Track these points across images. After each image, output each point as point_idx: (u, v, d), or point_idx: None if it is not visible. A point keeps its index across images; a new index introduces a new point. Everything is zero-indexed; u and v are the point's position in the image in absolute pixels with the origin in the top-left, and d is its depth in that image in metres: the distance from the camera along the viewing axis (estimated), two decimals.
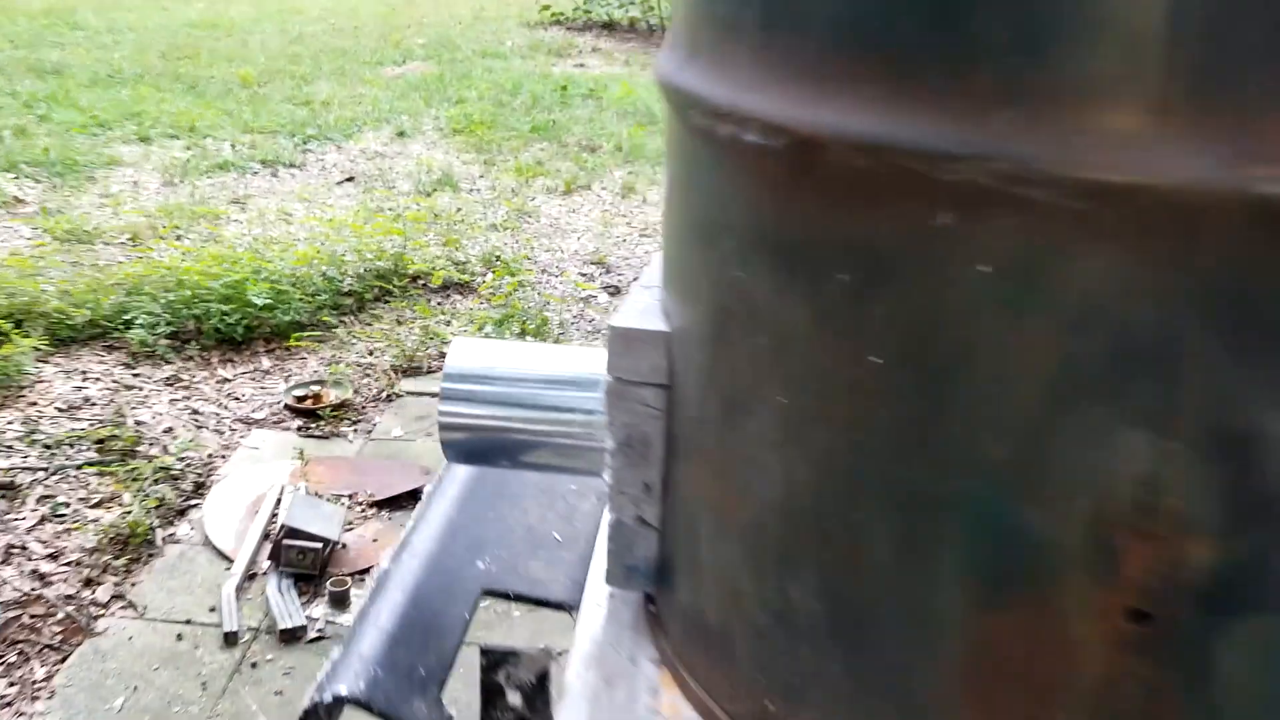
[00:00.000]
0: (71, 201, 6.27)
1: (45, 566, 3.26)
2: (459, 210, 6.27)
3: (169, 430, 4.05)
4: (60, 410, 4.12)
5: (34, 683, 2.83)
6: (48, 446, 3.84)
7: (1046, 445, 0.67)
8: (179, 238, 5.71)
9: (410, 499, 3.66)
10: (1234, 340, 0.61)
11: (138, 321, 4.60)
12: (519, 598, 1.14)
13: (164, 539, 3.42)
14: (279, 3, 15.41)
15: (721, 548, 0.88)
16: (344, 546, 3.40)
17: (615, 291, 5.38)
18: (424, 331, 4.71)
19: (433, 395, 4.10)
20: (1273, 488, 0.63)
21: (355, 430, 4.08)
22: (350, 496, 3.69)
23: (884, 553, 0.75)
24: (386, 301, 5.04)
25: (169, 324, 4.62)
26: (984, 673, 0.74)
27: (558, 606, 1.16)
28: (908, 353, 0.70)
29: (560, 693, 1.00)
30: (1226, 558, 0.65)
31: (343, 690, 1.00)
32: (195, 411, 4.17)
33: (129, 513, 3.46)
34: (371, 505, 3.66)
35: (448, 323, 4.81)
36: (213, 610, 3.15)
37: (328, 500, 3.63)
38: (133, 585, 3.22)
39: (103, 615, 3.09)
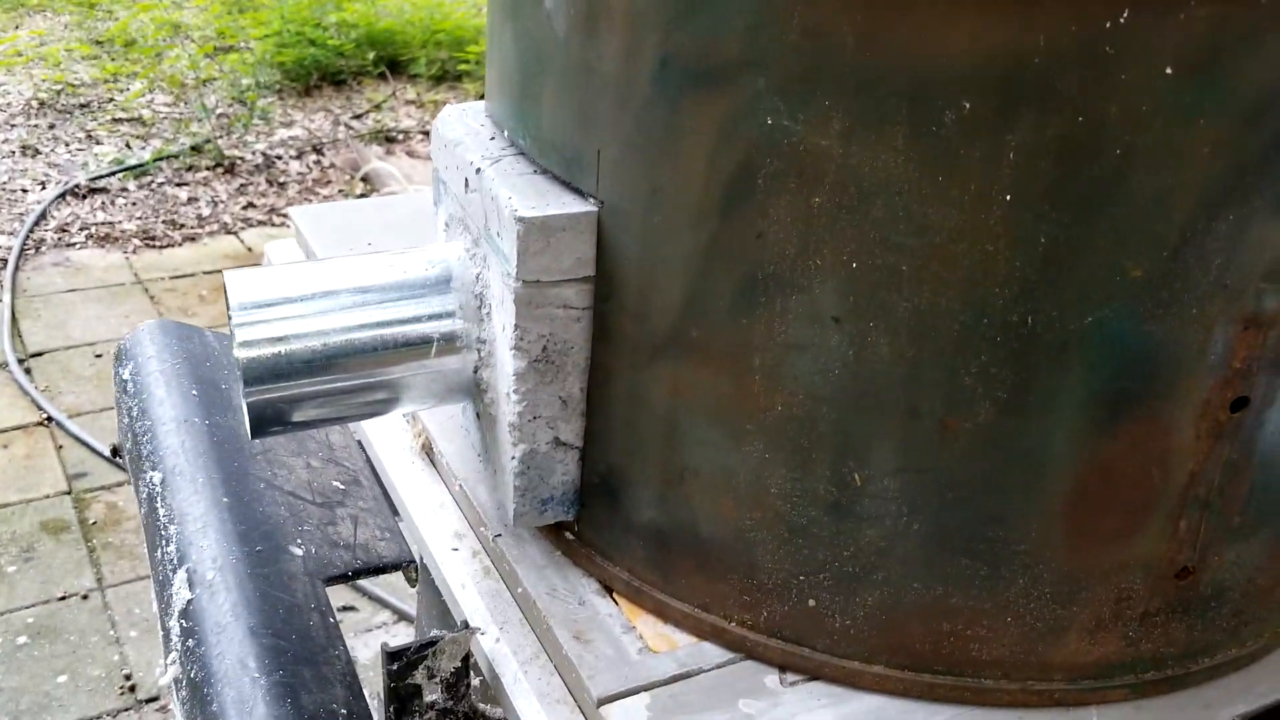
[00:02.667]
0: None
1: None
2: None
3: None
4: None
5: None
6: None
7: (1190, 253, 0.63)
8: None
9: None
10: None
11: None
12: (358, 574, 0.90)
13: None
14: None
15: (732, 450, 0.74)
16: None
17: None
18: None
19: None
20: None
21: None
22: None
23: (987, 409, 0.68)
24: None
25: None
26: (1086, 501, 0.71)
27: (394, 568, 0.93)
28: (1051, 183, 0.62)
29: (490, 669, 0.82)
30: None
31: None
32: None
33: None
34: None
35: None
36: None
37: None
38: None
39: None
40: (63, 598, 2.53)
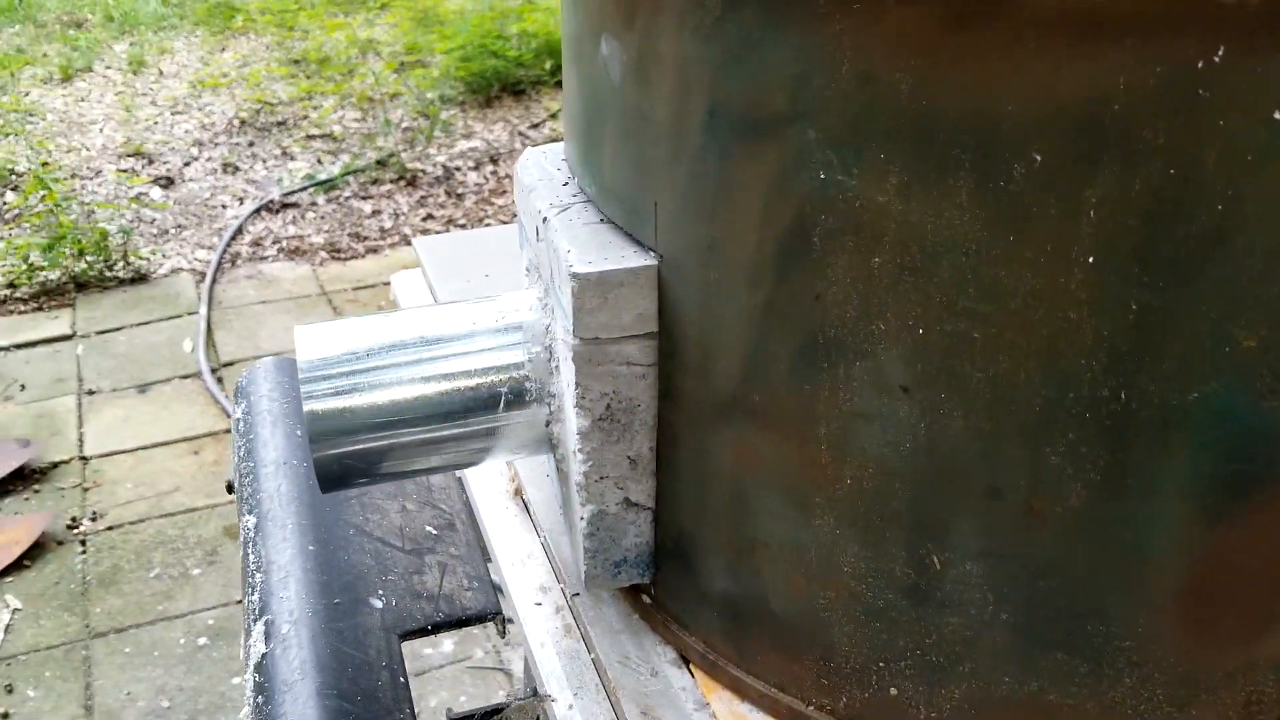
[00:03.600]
0: None
1: None
2: None
3: None
4: None
5: None
6: None
7: None
8: None
9: (15, 480, 3.07)
10: None
11: None
12: (438, 628, 0.88)
13: None
14: None
15: (801, 524, 0.68)
16: None
17: (168, 183, 4.74)
18: None
19: None
20: None
21: None
22: None
23: (1078, 491, 0.60)
24: None
25: None
26: (1203, 594, 0.62)
27: (479, 620, 0.91)
28: (1140, 243, 0.54)
29: None
30: None
31: None
32: None
33: None
34: None
35: None
36: None
37: None
38: None
39: None
40: (240, 601, 2.64)
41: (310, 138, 5.17)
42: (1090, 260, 0.55)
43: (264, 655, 0.82)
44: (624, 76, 0.69)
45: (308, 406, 0.77)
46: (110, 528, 2.95)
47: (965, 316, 0.58)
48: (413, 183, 4.70)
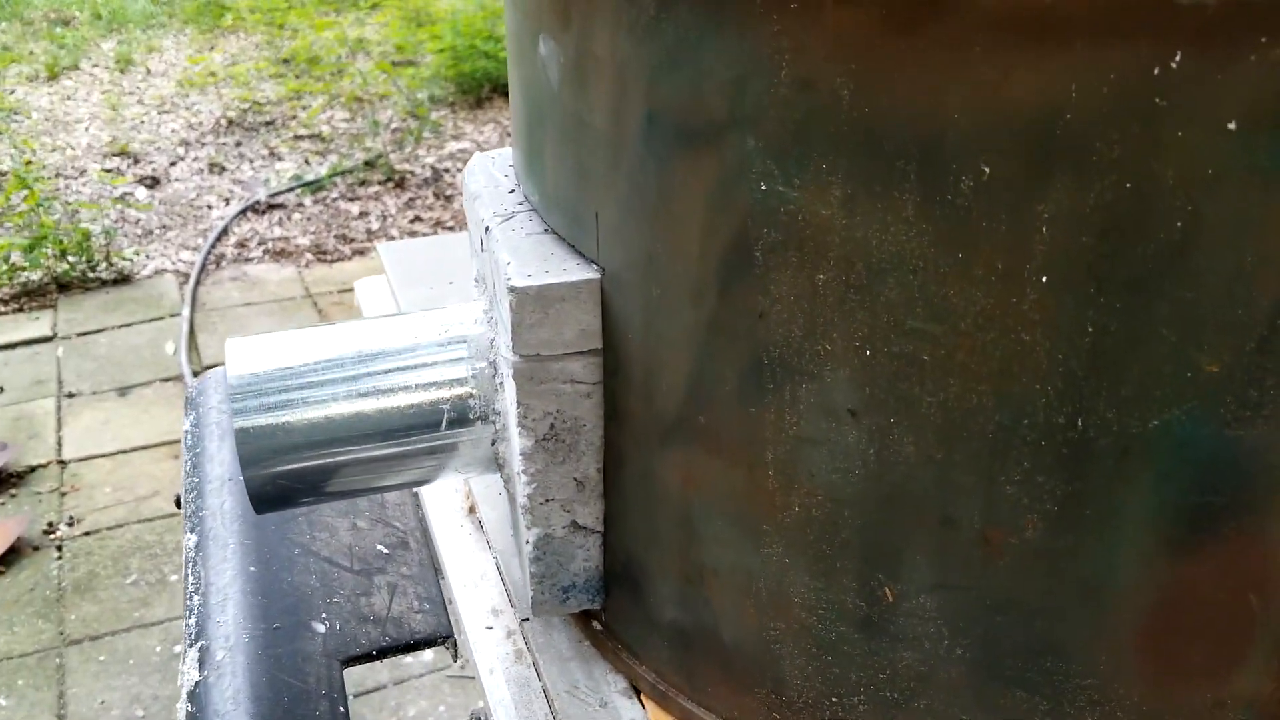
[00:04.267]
0: None
1: None
2: None
3: None
4: None
5: None
6: None
7: (1277, 342, 0.51)
8: None
9: None
10: None
11: None
12: (384, 653, 0.85)
13: None
14: None
15: (750, 551, 0.65)
16: None
17: (153, 183, 4.69)
18: None
19: None
20: None
21: None
22: None
23: (1034, 522, 0.57)
24: None
25: None
26: (1167, 630, 0.58)
27: (428, 644, 0.88)
28: (1096, 262, 0.50)
29: None
30: None
31: None
32: None
33: None
34: None
35: None
36: None
37: None
38: None
39: None
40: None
41: (298, 138, 5.13)
42: (1043, 279, 0.51)
43: (197, 684, 0.78)
44: (562, 79, 0.66)
45: (237, 424, 0.74)
46: (87, 533, 2.91)
47: (914, 338, 0.55)
48: (401, 184, 4.66)
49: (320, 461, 0.76)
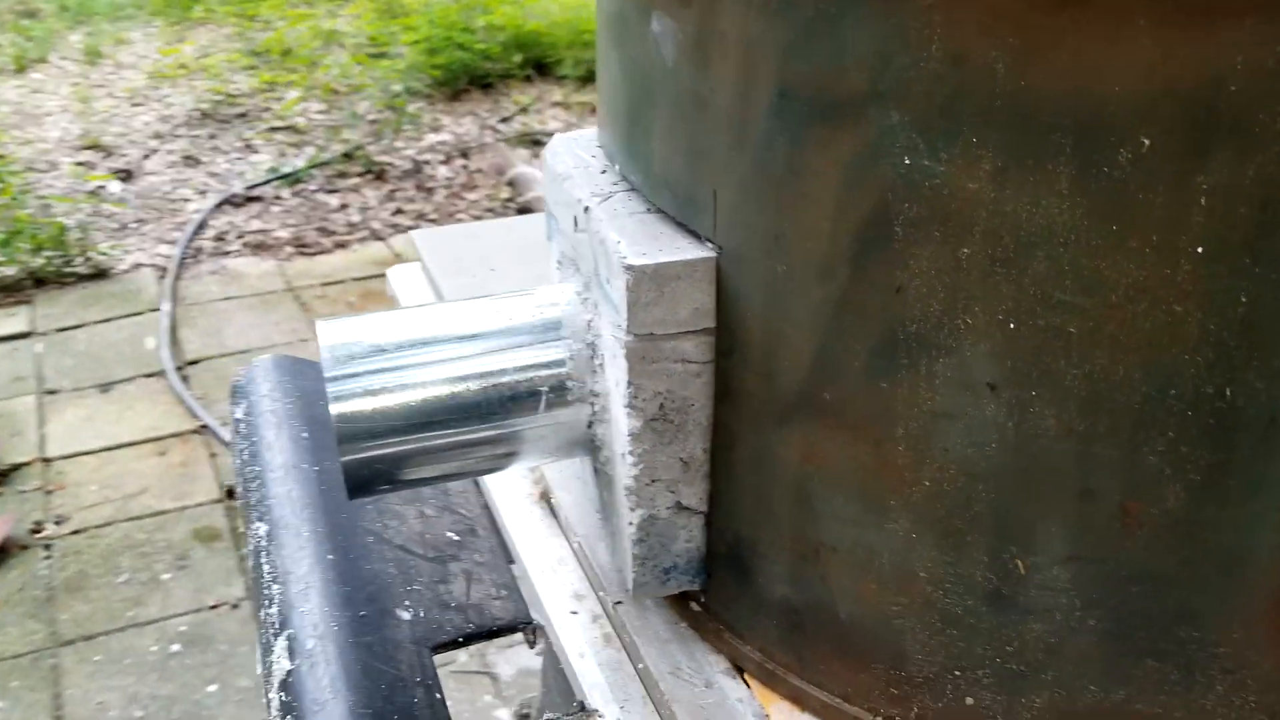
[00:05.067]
0: None
1: None
2: None
3: None
4: None
5: None
6: None
7: None
8: None
9: None
10: None
11: None
12: (470, 639, 0.84)
13: None
14: None
15: (874, 527, 0.65)
16: None
17: (127, 176, 4.63)
18: None
19: None
20: None
21: None
22: None
23: (1176, 493, 0.57)
24: None
25: None
26: None
27: (510, 630, 0.87)
28: (1253, 233, 0.51)
29: None
30: None
31: None
32: None
33: None
34: None
35: None
36: None
37: None
38: None
39: None
40: (214, 606, 2.58)
41: (273, 130, 5.07)
42: (1199, 251, 0.52)
43: (289, 673, 0.77)
44: (679, 57, 0.65)
45: (335, 408, 0.73)
46: (75, 531, 2.87)
47: (1061, 310, 0.55)
48: (380, 176, 4.63)
49: (417, 445, 0.75)
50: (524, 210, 4.29)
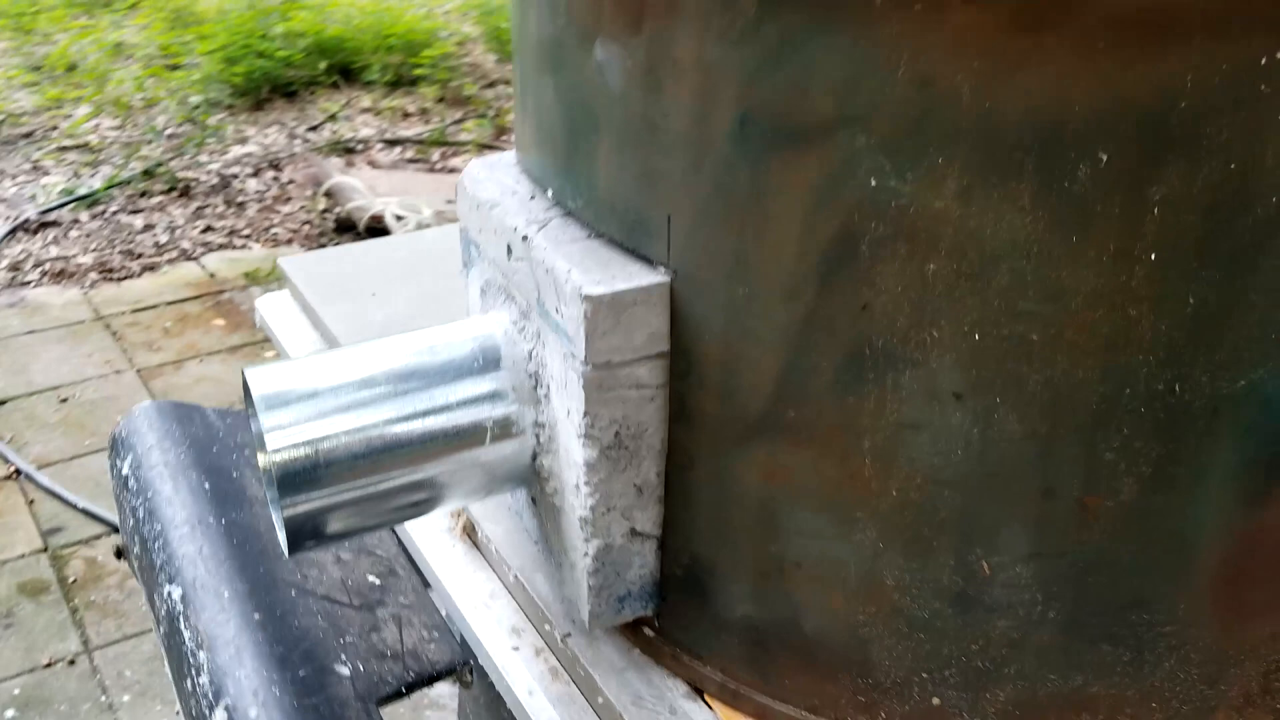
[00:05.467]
0: None
1: None
2: None
3: None
4: None
5: None
6: None
7: None
8: None
9: None
10: None
11: None
12: (411, 688, 0.82)
13: None
14: None
15: (840, 540, 0.67)
16: None
17: None
18: None
19: None
20: None
21: None
22: None
23: (1130, 485, 0.61)
24: None
25: None
26: (1238, 573, 0.64)
27: (449, 673, 0.85)
28: (1201, 238, 0.55)
29: None
30: None
31: None
32: None
33: None
34: None
35: None
36: None
37: None
38: None
39: None
40: (49, 664, 2.43)
41: (64, 150, 4.80)
42: (1152, 257, 0.55)
43: None
44: (627, 84, 0.65)
45: (276, 458, 0.70)
46: None
47: (1024, 319, 0.58)
48: (186, 193, 4.43)
49: (363, 491, 0.73)
50: (344, 222, 4.18)
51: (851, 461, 0.64)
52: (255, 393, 0.72)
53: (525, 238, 0.72)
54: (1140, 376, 0.58)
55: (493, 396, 0.75)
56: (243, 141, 4.87)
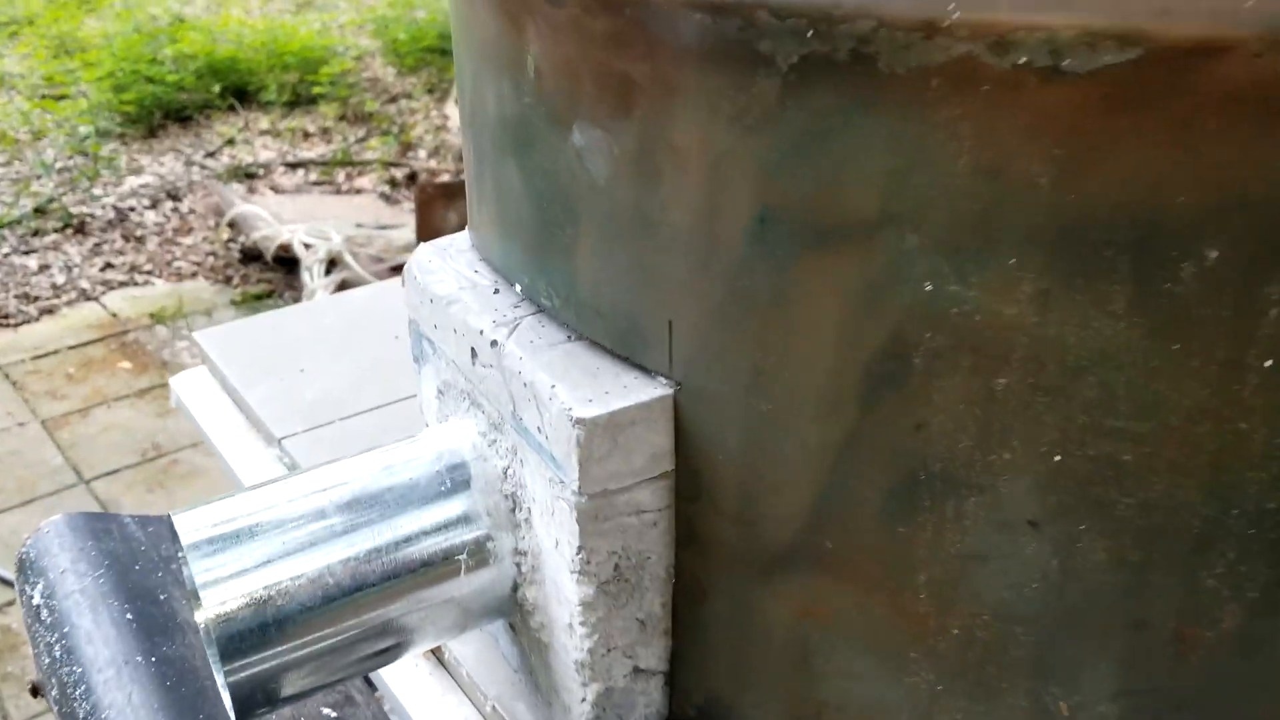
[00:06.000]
0: None
1: None
2: None
3: None
4: None
5: None
6: None
7: None
8: None
9: None
10: None
11: None
12: None
13: None
14: None
15: (890, 682, 0.58)
16: None
17: None
18: None
19: None
20: None
21: None
22: None
23: (1234, 613, 0.53)
24: None
25: None
26: None
27: None
28: None
29: None
30: None
31: None
32: None
33: None
34: None
35: None
36: None
37: None
38: None
39: None
40: None
41: None
42: (1267, 364, 0.47)
43: None
44: (614, 173, 0.55)
45: (214, 612, 0.59)
46: None
47: (1114, 437, 0.49)
48: (82, 229, 4.21)
49: (321, 644, 0.62)
50: (250, 252, 4.01)
51: (904, 597, 0.55)
52: (185, 540, 0.61)
53: (494, 342, 0.62)
54: (1249, 495, 0.50)
55: (464, 521, 0.65)
56: (138, 172, 4.65)
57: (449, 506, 0.66)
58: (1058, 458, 0.50)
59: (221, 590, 0.60)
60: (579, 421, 0.56)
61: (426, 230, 3.43)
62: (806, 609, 0.58)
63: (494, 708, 0.77)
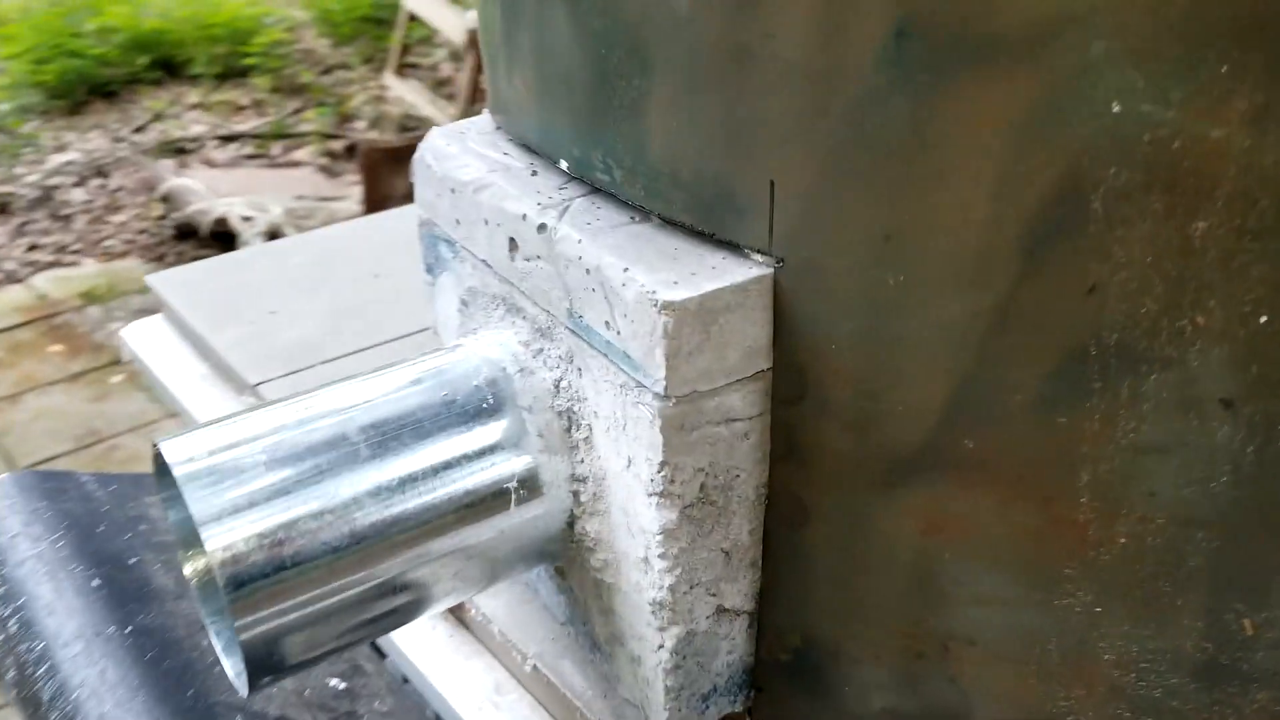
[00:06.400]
0: None
1: None
2: None
3: None
4: None
5: None
6: None
7: None
8: None
9: None
10: None
11: None
12: None
13: None
14: None
15: (1038, 607, 0.49)
16: None
17: None
18: None
19: None
20: None
21: None
22: None
23: None
24: None
25: None
26: None
27: None
28: None
29: None
30: None
31: None
32: None
33: None
34: None
35: None
36: None
37: None
38: None
39: None
40: None
41: None
42: None
43: None
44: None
45: (225, 571, 0.48)
46: None
47: None
48: (5, 210, 4.01)
49: (346, 594, 0.52)
50: (185, 228, 3.84)
51: (1060, 504, 0.46)
52: (178, 472, 0.50)
53: (542, 226, 0.52)
54: None
55: (513, 446, 0.54)
56: (62, 149, 4.44)
57: (492, 428, 0.55)
58: (1264, 318, 0.41)
59: (227, 531, 0.50)
60: (666, 307, 0.46)
61: (374, 197, 3.29)
62: (935, 525, 0.49)
63: (535, 667, 0.67)
